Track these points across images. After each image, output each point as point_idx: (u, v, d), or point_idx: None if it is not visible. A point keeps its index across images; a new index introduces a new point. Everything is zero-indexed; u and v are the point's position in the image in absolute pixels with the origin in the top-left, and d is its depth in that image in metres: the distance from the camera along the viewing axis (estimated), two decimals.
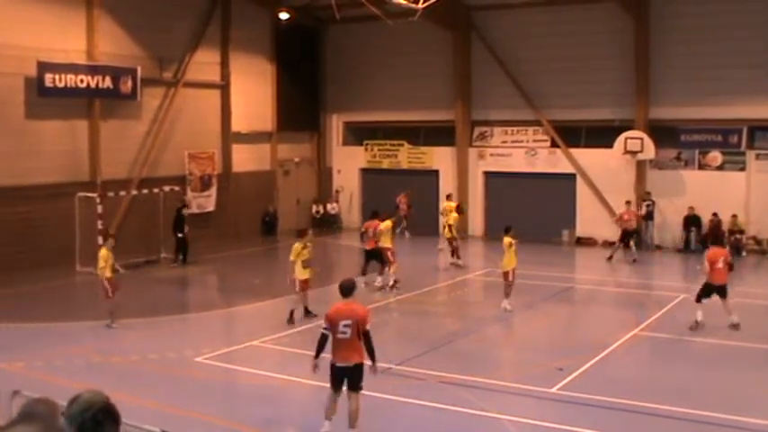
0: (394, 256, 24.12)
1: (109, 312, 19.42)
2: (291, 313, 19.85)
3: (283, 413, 14.27)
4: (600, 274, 27.75)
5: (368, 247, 24.65)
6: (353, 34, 37.49)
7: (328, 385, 12.19)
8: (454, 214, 28.01)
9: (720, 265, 19.27)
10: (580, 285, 26.11)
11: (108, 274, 19.45)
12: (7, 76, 26.15)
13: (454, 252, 27.89)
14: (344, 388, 12.17)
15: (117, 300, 19.60)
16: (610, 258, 29.37)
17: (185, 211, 28.80)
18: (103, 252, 19.73)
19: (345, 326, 11.93)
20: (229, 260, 30.31)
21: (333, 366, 12.17)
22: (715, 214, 30.63)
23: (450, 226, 27.85)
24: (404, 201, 36.44)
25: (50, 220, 26.78)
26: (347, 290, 12.32)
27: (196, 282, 27.78)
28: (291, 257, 19.94)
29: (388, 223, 24.42)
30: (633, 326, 19.93)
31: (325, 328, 12.11)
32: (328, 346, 12.16)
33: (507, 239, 21.12)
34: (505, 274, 21.18)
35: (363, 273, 24.40)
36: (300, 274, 19.89)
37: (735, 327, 19.16)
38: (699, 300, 19.44)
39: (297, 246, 20.04)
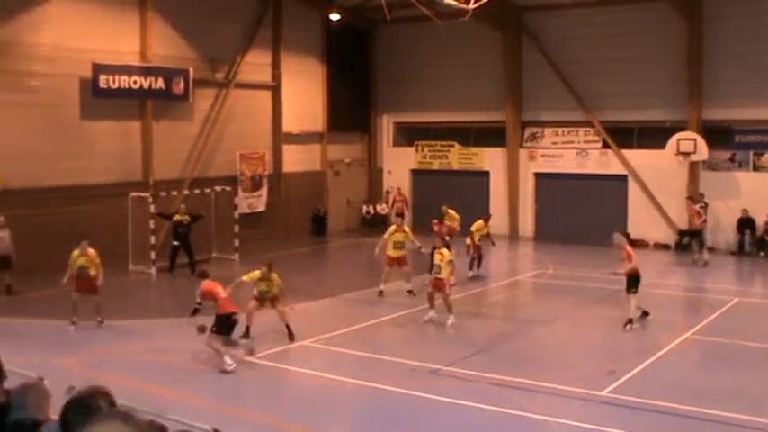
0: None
1: (94, 310, 19.40)
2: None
3: (333, 413, 14.30)
4: (651, 276, 27.24)
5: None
6: (404, 35, 37.50)
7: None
8: (480, 222, 26.93)
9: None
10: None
11: (71, 273, 19.31)
12: (63, 78, 26.55)
13: (472, 262, 26.46)
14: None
15: (81, 298, 19.32)
16: None
17: (177, 218, 27.05)
18: (74, 254, 19.43)
19: None
20: (280, 260, 30.32)
21: None
22: None
23: (471, 233, 26.78)
24: (399, 199, 36.77)
25: (104, 220, 27.06)
26: None
27: None
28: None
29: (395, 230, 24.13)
30: (685, 329, 19.72)
31: None
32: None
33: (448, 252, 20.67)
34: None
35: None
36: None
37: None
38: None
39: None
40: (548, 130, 35.54)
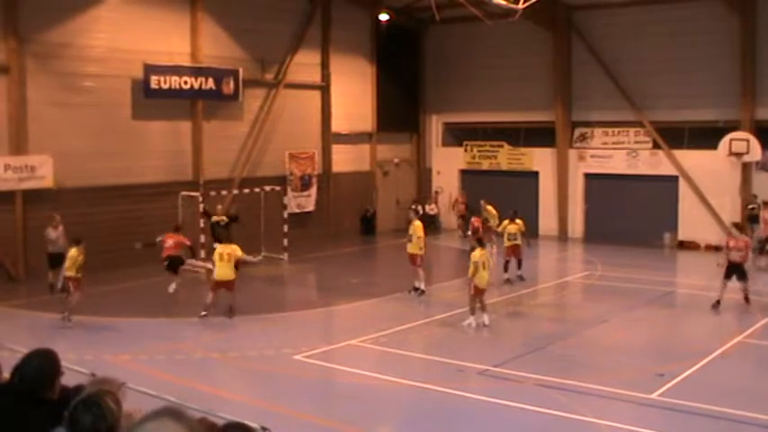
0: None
1: (67, 309, 19.46)
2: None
3: (380, 413, 14.32)
4: (703, 278, 26.96)
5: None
6: (453, 35, 37.43)
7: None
8: (505, 221, 26.20)
9: None
10: (682, 290, 25.62)
11: (71, 273, 19.36)
12: (115, 79, 26.91)
13: (506, 265, 25.65)
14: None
15: (78, 298, 19.50)
16: None
17: (215, 218, 26.93)
18: (72, 252, 19.49)
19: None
20: (328, 259, 30.54)
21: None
22: None
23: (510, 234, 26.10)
24: (461, 200, 36.56)
25: (154, 219, 27.33)
26: None
27: (295, 280, 28.08)
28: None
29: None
30: (738, 332, 19.46)
31: None
32: None
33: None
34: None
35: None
36: None
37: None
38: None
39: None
40: (597, 131, 35.24)
